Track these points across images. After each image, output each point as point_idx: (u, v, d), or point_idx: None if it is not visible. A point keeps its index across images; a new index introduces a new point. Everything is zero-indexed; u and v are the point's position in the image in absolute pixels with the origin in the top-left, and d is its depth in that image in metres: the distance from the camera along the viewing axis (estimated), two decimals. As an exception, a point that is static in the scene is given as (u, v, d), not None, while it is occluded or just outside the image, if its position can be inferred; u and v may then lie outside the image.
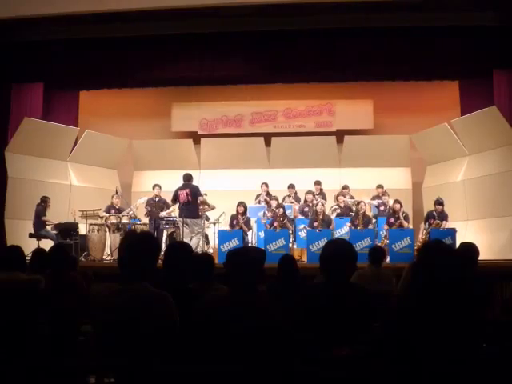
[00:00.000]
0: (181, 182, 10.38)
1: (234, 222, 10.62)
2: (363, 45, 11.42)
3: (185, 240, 9.69)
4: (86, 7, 10.39)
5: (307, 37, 11.46)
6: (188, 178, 10.20)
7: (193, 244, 9.64)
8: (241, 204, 10.71)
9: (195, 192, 9.97)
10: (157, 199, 11.29)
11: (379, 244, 10.12)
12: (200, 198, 10.08)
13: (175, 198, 10.10)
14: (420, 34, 11.09)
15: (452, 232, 9.90)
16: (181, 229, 10.09)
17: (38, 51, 11.85)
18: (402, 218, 10.29)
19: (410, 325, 2.67)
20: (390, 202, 11.12)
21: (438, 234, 9.71)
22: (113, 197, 11.38)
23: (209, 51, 11.84)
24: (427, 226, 10.36)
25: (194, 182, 10.51)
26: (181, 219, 10.02)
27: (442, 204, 10.34)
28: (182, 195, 9.95)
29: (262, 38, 11.60)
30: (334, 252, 3.23)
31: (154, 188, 11.43)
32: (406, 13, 10.55)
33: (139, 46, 11.79)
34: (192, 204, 9.96)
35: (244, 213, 10.70)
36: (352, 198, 11.59)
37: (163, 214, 10.96)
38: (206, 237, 11.07)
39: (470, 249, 4.64)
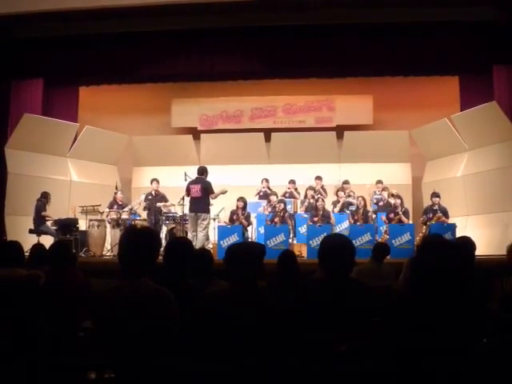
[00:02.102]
0: (180, 178, 10.39)
1: (234, 218, 10.62)
2: (363, 40, 11.41)
3: (189, 236, 9.68)
4: (85, 3, 10.37)
5: (307, 32, 11.44)
6: (201, 172, 10.09)
7: (200, 241, 9.63)
8: (240, 199, 10.70)
9: (207, 188, 9.90)
10: (154, 194, 11.29)
11: (380, 240, 10.13)
12: (212, 196, 10.00)
13: (188, 192, 10.03)
14: (420, 29, 11.08)
15: (452, 227, 9.91)
16: (189, 223, 10.03)
17: (38, 47, 11.85)
18: (401, 213, 10.30)
19: (410, 320, 2.67)
20: (388, 198, 11.17)
21: (438, 229, 9.70)
22: (116, 193, 11.38)
23: (208, 47, 11.83)
24: (425, 218, 10.34)
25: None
26: (191, 213, 9.96)
27: (439, 196, 10.36)
28: (194, 190, 9.90)
29: (262, 34, 11.58)
30: (332, 247, 3.23)
31: (151, 183, 11.45)
32: (405, 8, 10.52)
33: (139, 42, 11.78)
34: (203, 198, 9.92)
35: (244, 208, 10.69)
36: (352, 192, 11.60)
37: (160, 204, 11.02)
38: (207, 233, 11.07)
39: (466, 243, 4.63)
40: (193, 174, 10.29)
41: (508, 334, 3.37)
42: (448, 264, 2.73)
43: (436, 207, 10.30)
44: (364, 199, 10.69)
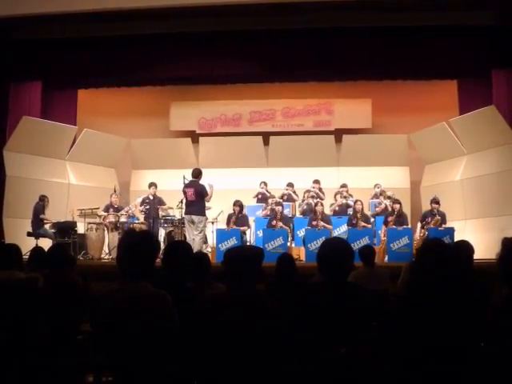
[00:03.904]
0: (179, 181, 10.36)
1: (231, 221, 10.62)
2: (362, 44, 11.39)
3: (188, 239, 9.67)
4: (84, 6, 10.35)
5: (306, 36, 11.45)
6: (196, 175, 10.04)
7: (197, 243, 9.61)
8: (237, 203, 10.69)
9: (200, 191, 9.88)
10: (152, 198, 11.27)
11: (379, 244, 10.11)
12: (207, 198, 9.96)
13: (185, 196, 10.02)
14: (419, 33, 11.08)
15: (450, 231, 9.90)
16: (186, 227, 10.01)
17: (37, 50, 11.83)
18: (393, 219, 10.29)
19: (408, 324, 2.67)
20: (383, 201, 11.17)
21: (437, 233, 9.70)
22: (111, 196, 11.37)
23: (208, 50, 11.81)
24: (423, 223, 10.34)
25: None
26: (186, 216, 9.94)
27: (438, 202, 10.33)
28: (189, 193, 9.89)
29: (261, 37, 11.58)
30: (331, 251, 3.23)
31: (149, 187, 11.44)
32: (405, 12, 10.53)
33: (138, 44, 11.77)
34: (197, 202, 9.90)
35: (240, 212, 10.68)
36: (350, 196, 11.59)
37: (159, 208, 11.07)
38: (205, 236, 11.05)
39: (465, 247, 4.62)
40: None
41: (506, 337, 3.37)
42: (447, 268, 2.73)
43: (435, 211, 10.28)
44: (362, 203, 10.68)
